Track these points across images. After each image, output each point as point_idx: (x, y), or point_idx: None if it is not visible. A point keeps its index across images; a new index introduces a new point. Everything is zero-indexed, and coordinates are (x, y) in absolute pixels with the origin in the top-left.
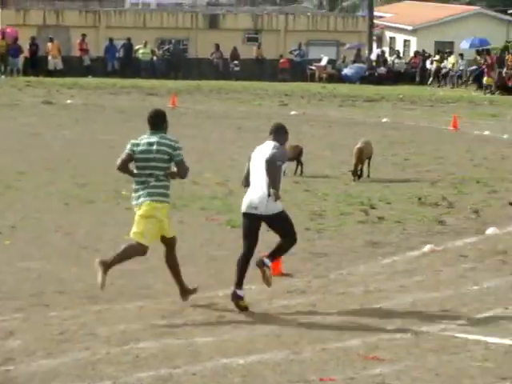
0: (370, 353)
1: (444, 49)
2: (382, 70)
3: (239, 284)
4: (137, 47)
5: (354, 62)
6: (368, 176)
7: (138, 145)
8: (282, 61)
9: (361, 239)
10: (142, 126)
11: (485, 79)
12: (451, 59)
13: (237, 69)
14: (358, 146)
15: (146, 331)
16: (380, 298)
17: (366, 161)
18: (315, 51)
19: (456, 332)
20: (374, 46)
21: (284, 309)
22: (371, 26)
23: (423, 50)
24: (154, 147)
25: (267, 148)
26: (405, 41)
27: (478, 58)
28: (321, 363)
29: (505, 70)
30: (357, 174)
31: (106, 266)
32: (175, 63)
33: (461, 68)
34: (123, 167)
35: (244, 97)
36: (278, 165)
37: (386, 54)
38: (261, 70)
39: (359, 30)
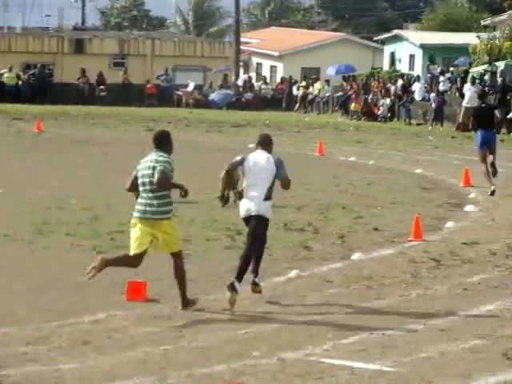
0: (236, 378)
1: (310, 75)
2: (249, 95)
3: (239, 277)
4: (1, 71)
5: (221, 87)
6: (235, 202)
7: (140, 164)
8: (148, 86)
9: (227, 265)
10: (6, 151)
11: (352, 105)
12: (317, 85)
13: (103, 94)
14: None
15: (9, 358)
16: (246, 323)
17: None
18: (182, 76)
19: (321, 357)
20: (241, 71)
21: (150, 335)
22: (238, 51)
23: (290, 76)
24: (151, 164)
25: (265, 159)
26: (271, 67)
27: (344, 84)
28: None
29: (370, 96)
30: (224, 199)
31: (104, 263)
32: (41, 88)
33: (327, 94)
34: (132, 188)
35: (110, 122)
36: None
37: (253, 80)
38: (127, 95)
39: (226, 56)
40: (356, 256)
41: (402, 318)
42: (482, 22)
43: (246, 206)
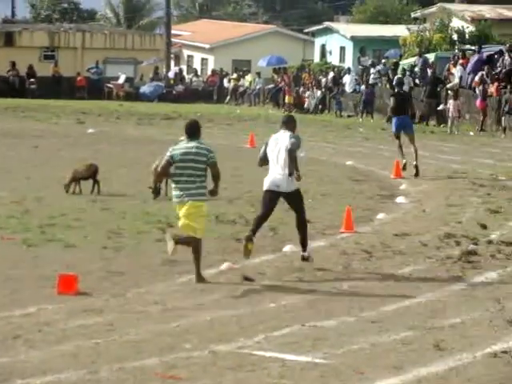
0: (168, 372)
1: (241, 67)
2: (180, 88)
3: (254, 232)
4: None
5: (152, 80)
6: (166, 194)
7: (177, 150)
8: (79, 79)
9: (158, 257)
10: None
11: (286, 98)
12: (248, 77)
13: (33, 87)
14: (156, 163)
15: None
16: (177, 316)
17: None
18: (113, 69)
19: (253, 349)
20: (172, 64)
21: (81, 328)
22: (169, 44)
23: (221, 69)
24: (194, 150)
25: (285, 137)
26: (202, 59)
27: (275, 76)
28: (118, 382)
29: (301, 89)
30: (157, 191)
31: (176, 240)
32: None
33: (258, 86)
34: (164, 172)
35: (40, 115)
36: (296, 151)
37: (184, 73)
38: (58, 87)
39: (157, 48)
40: (288, 248)
41: (334, 309)
42: (412, 15)
43: (276, 183)
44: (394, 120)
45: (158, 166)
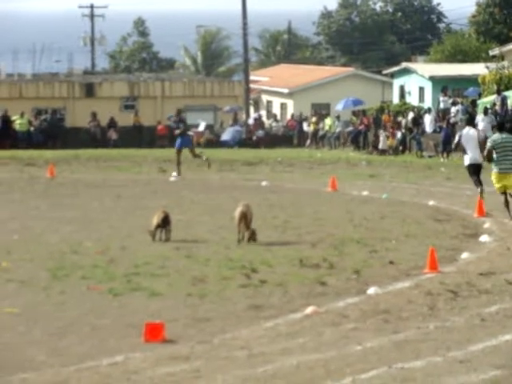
0: None
1: (320, 111)
2: (260, 133)
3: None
4: (13, 118)
5: (232, 126)
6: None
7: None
8: (159, 127)
9: (243, 303)
10: (20, 197)
11: (389, 141)
12: (328, 121)
13: (115, 137)
14: (241, 209)
15: None
16: (264, 361)
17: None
18: (193, 117)
19: None
20: (251, 110)
21: (168, 376)
22: (247, 90)
23: (300, 113)
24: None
25: (474, 131)
26: (281, 104)
27: (354, 118)
28: None
29: (381, 131)
30: (242, 237)
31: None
32: (52, 133)
33: (337, 129)
34: (489, 155)
35: (122, 164)
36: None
37: (264, 118)
38: (139, 137)
39: (236, 95)
40: (372, 290)
41: (420, 350)
42: (490, 52)
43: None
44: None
45: (241, 211)
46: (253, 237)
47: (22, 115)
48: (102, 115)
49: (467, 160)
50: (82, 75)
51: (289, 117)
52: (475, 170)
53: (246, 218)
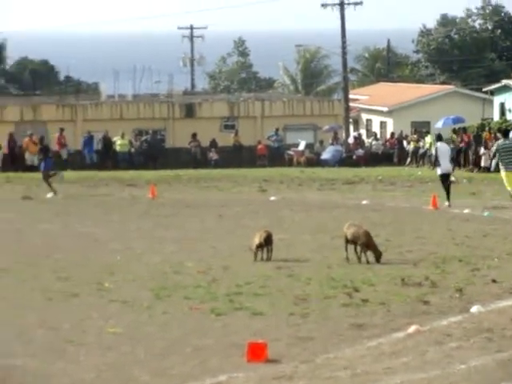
0: None
1: (420, 129)
2: (360, 152)
3: None
4: (114, 139)
5: (332, 145)
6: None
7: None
8: (259, 147)
9: (345, 322)
10: (121, 217)
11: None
12: (428, 139)
13: (215, 157)
14: (363, 229)
15: None
16: (367, 380)
17: (352, 244)
18: (292, 136)
19: None
20: (351, 128)
21: None
22: (347, 108)
23: (400, 131)
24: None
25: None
26: (381, 122)
27: (454, 136)
28: None
29: (482, 148)
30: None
31: None
32: (153, 153)
33: None
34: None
35: (223, 184)
36: None
37: (364, 136)
38: (239, 156)
39: (335, 114)
40: (475, 309)
41: None
42: None
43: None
44: None
45: (350, 231)
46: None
47: (122, 136)
48: (202, 135)
49: None
50: (182, 96)
51: (388, 135)
52: None
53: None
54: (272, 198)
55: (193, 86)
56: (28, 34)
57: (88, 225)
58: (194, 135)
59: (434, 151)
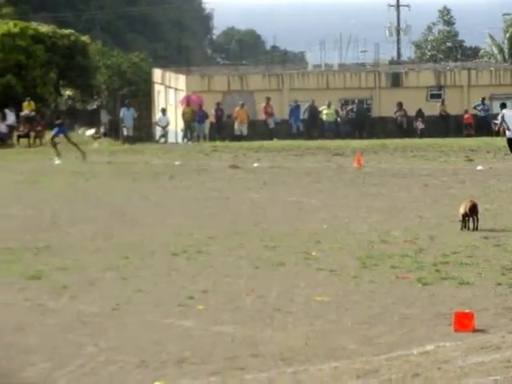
0: None
1: None
2: None
3: None
4: (321, 108)
5: None
6: None
7: None
8: (466, 116)
9: None
10: (328, 186)
11: None
12: None
13: (421, 126)
14: None
15: None
16: None
17: None
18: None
19: None
20: None
21: (479, 365)
22: None
23: None
24: None
25: None
26: None
27: None
28: None
29: None
30: None
31: None
32: (359, 123)
33: None
34: None
35: (429, 154)
36: None
37: None
38: (445, 126)
39: None
40: None
41: None
42: None
43: None
44: None
45: None
46: None
47: (329, 105)
48: (408, 104)
49: None
50: (388, 65)
51: None
52: None
53: None
54: (479, 168)
55: (399, 55)
56: (234, 3)
57: (295, 194)
58: (400, 104)
59: None
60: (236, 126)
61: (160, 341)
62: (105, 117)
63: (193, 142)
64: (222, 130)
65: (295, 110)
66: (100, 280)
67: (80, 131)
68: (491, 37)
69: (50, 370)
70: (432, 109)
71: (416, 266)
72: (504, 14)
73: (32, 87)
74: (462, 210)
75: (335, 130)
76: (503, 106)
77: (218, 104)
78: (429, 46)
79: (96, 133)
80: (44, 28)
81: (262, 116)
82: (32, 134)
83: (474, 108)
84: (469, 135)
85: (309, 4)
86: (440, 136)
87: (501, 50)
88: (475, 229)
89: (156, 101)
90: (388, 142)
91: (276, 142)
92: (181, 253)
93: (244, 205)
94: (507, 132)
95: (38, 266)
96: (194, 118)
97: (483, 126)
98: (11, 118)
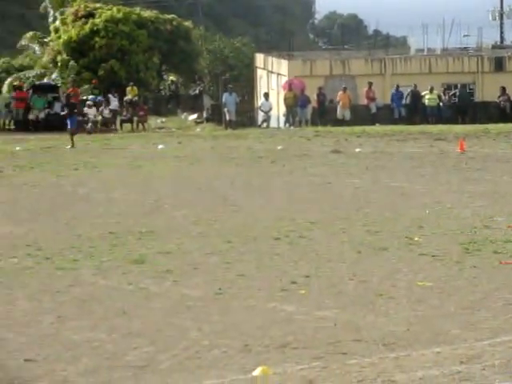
0: None
1: None
2: None
3: None
4: (423, 93)
5: None
6: None
7: None
8: None
9: None
10: (430, 171)
11: None
12: None
13: None
14: None
15: (444, 377)
16: None
17: None
18: None
19: None
20: None
21: None
22: None
23: None
24: None
25: None
26: None
27: None
28: None
29: None
30: None
31: None
32: (462, 108)
33: None
34: None
35: None
36: None
37: None
38: None
39: None
40: None
41: None
42: None
43: None
44: None
45: None
46: None
47: (431, 90)
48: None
49: None
50: (491, 49)
51: None
52: None
53: None
54: None
55: (502, 39)
56: None
57: (397, 179)
58: (504, 89)
59: None
60: (338, 110)
61: (263, 325)
62: (207, 102)
63: (295, 127)
64: (324, 114)
65: (397, 94)
66: (203, 264)
67: (183, 116)
68: None
69: (153, 354)
70: None
71: None
72: None
73: (135, 72)
74: None
75: (437, 115)
76: None
77: (320, 89)
78: None
79: (198, 117)
80: (147, 13)
81: (363, 101)
82: (135, 118)
83: None
84: None
85: None
86: None
87: None
88: None
89: (258, 86)
90: (491, 126)
91: (378, 127)
92: (283, 237)
93: (346, 190)
94: None
95: (141, 250)
96: (296, 103)
97: None
98: (114, 103)
